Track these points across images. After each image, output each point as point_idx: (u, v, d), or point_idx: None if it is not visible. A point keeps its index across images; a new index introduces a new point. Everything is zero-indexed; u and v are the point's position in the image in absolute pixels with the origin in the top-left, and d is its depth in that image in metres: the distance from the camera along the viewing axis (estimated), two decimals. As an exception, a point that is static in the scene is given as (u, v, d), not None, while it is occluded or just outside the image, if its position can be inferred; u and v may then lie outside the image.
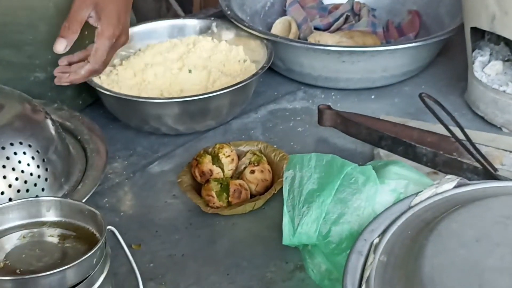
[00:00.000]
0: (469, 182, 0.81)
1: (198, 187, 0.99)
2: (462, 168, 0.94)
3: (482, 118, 1.15)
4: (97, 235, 0.68)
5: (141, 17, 1.43)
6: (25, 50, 1.17)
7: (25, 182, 0.86)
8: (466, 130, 0.93)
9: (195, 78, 1.20)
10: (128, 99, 1.09)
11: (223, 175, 0.99)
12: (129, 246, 0.75)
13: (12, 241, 0.69)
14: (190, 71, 1.21)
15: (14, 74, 1.19)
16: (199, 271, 0.88)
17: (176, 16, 2.36)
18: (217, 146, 1.01)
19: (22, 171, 0.86)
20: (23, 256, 0.67)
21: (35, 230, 0.70)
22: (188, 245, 0.93)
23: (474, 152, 0.92)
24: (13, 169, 0.85)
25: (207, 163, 0.98)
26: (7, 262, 0.66)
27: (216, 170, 0.98)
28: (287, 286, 0.86)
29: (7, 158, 0.85)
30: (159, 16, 2.42)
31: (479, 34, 1.15)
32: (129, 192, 1.03)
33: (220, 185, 0.96)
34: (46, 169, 0.89)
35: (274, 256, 0.90)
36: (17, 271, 0.65)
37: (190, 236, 0.94)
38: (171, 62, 1.23)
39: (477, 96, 1.15)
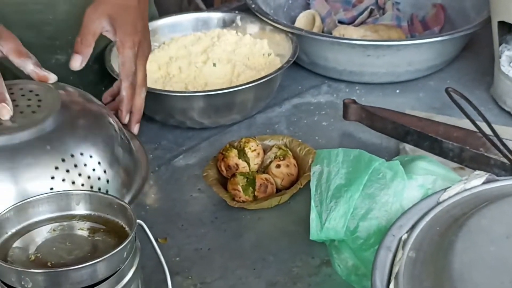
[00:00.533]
0: (498, 178, 0.81)
1: (223, 181, 0.99)
2: (489, 163, 0.94)
3: (508, 113, 1.15)
4: (127, 228, 0.68)
5: (162, 11, 1.43)
6: (45, 31, 1.17)
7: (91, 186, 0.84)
8: (493, 125, 0.92)
9: (219, 72, 1.21)
10: (154, 93, 1.09)
11: (249, 169, 0.99)
12: (155, 240, 0.75)
13: (42, 234, 0.69)
14: (214, 64, 1.21)
15: (35, 57, 1.19)
16: (225, 265, 0.88)
17: (197, 9, 2.36)
18: (243, 140, 1.01)
19: (89, 177, 0.83)
20: (54, 249, 0.67)
21: (65, 223, 0.70)
22: (214, 239, 0.93)
23: (501, 147, 0.91)
24: (80, 174, 0.83)
25: (233, 157, 0.99)
26: (38, 255, 0.66)
27: (242, 164, 0.99)
28: (314, 281, 0.86)
29: (75, 165, 0.83)
30: (180, 10, 2.43)
31: (506, 28, 1.14)
32: (155, 185, 1.03)
33: (246, 179, 0.96)
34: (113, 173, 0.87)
35: (300, 251, 0.90)
36: (48, 264, 0.65)
37: (216, 230, 0.95)
38: (195, 56, 1.24)
39: (503, 90, 1.15)
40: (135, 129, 1.05)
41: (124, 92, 1.03)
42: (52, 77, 0.90)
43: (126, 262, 0.66)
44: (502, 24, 1.12)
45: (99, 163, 0.84)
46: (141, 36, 1.05)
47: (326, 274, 0.86)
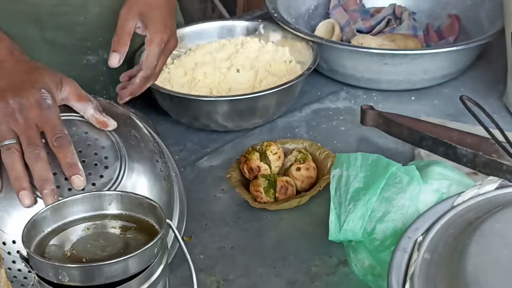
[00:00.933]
0: (511, 183, 0.81)
1: (246, 183, 1.00)
2: (502, 169, 0.94)
3: (521, 120, 1.14)
4: (157, 227, 0.69)
5: (188, 18, 1.44)
6: (77, 32, 1.17)
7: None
8: (506, 133, 0.92)
9: (242, 77, 1.21)
10: (181, 97, 1.10)
11: (270, 171, 0.99)
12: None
13: (77, 232, 0.69)
14: (238, 70, 1.21)
15: (67, 57, 1.19)
16: (247, 264, 0.89)
17: (221, 16, 2.37)
18: (265, 143, 1.01)
19: None
20: (88, 246, 0.68)
21: (98, 222, 0.71)
22: (236, 238, 0.94)
23: (514, 154, 0.91)
24: None
25: (255, 160, 0.99)
26: (73, 251, 0.67)
27: (264, 166, 0.99)
28: (331, 280, 0.86)
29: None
30: (204, 17, 2.44)
31: (519, 38, 1.14)
32: (184, 190, 1.04)
33: (267, 181, 0.96)
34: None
35: (318, 250, 0.90)
36: (83, 260, 0.66)
37: (239, 230, 0.95)
38: (220, 62, 1.24)
39: (516, 99, 1.14)
40: (122, 101, 1.08)
41: (138, 80, 1.06)
42: (112, 124, 0.84)
43: (156, 258, 0.67)
44: (515, 35, 1.12)
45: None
46: (169, 34, 1.07)
47: (343, 273, 0.87)
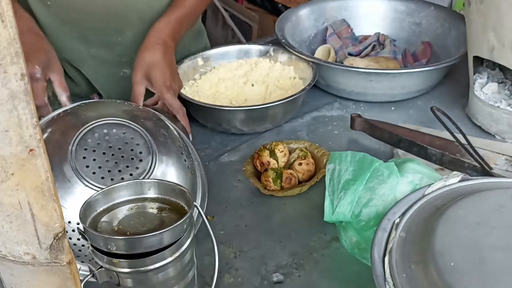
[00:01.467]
0: (471, 177, 0.80)
1: (258, 174, 1.00)
2: (464, 166, 0.93)
3: (479, 127, 1.13)
4: (186, 208, 0.69)
5: (212, 42, 1.44)
6: (115, 49, 1.18)
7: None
8: (467, 137, 0.92)
9: (256, 90, 1.21)
10: (207, 107, 1.10)
11: (278, 165, 0.99)
12: (206, 218, 0.76)
13: (122, 212, 0.70)
14: (252, 85, 1.21)
15: (107, 70, 1.19)
16: (258, 239, 0.89)
17: (239, 42, 2.37)
18: (274, 143, 1.01)
19: None
20: (131, 222, 0.68)
21: (139, 204, 0.71)
22: (250, 218, 0.93)
23: (474, 154, 0.90)
24: None
25: (266, 156, 0.99)
26: (120, 227, 0.68)
27: (273, 161, 0.99)
28: (325, 253, 0.86)
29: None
30: (226, 42, 2.44)
31: (479, 61, 1.13)
32: (205, 176, 1.04)
33: (275, 173, 0.96)
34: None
35: (315, 229, 0.90)
36: (127, 233, 0.67)
37: (251, 212, 0.95)
38: (238, 78, 1.24)
39: (476, 110, 1.13)
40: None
41: (183, 122, 1.04)
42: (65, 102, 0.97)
43: (185, 233, 0.67)
44: (476, 58, 1.11)
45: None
46: (170, 81, 1.05)
47: (335, 247, 0.87)
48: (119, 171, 0.79)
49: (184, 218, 0.66)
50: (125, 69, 1.20)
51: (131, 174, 0.79)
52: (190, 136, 1.05)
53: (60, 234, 0.38)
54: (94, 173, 0.78)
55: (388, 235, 0.71)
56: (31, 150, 0.34)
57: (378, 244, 0.70)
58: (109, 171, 0.79)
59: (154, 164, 0.81)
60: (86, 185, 0.77)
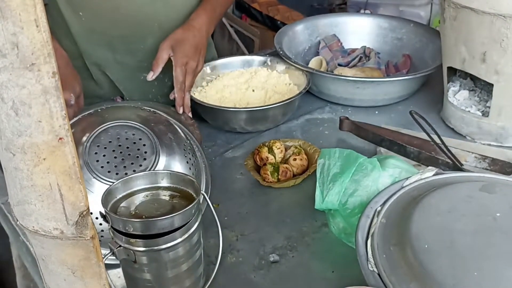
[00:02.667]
0: (444, 172, 0.81)
1: (258, 168, 1.00)
2: (438, 162, 0.93)
3: (452, 129, 1.13)
4: (194, 195, 0.70)
5: (219, 54, 1.44)
6: (138, 55, 1.18)
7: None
8: (441, 137, 0.92)
9: (256, 95, 1.20)
10: (214, 108, 1.10)
11: (275, 160, 0.99)
12: (212, 205, 0.76)
13: (139, 198, 0.71)
14: (253, 90, 1.21)
15: (130, 73, 1.20)
16: (257, 224, 0.89)
17: (243, 53, 2.37)
18: (272, 141, 1.01)
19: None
20: (147, 207, 0.69)
21: (154, 191, 0.72)
22: (250, 206, 0.93)
23: (447, 152, 0.91)
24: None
25: (264, 152, 0.99)
26: (137, 211, 0.68)
27: (271, 157, 0.99)
28: (316, 237, 0.86)
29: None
30: (231, 53, 2.44)
31: (452, 71, 1.14)
32: (212, 169, 1.04)
33: (273, 167, 0.96)
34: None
35: (307, 216, 0.90)
36: (143, 217, 0.67)
37: (252, 201, 0.95)
38: (240, 84, 1.23)
39: (449, 114, 1.14)
40: (180, 111, 1.09)
41: (176, 93, 1.08)
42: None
43: (193, 217, 0.68)
44: (449, 68, 1.11)
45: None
46: (188, 59, 1.08)
47: (324, 232, 0.87)
48: (124, 167, 0.79)
49: (193, 204, 0.66)
50: (146, 73, 1.20)
51: (134, 171, 0.79)
52: (190, 113, 1.08)
53: (85, 212, 0.39)
54: (102, 167, 0.78)
55: (371, 221, 0.72)
56: (60, 138, 0.35)
57: (361, 229, 0.71)
58: (115, 166, 0.79)
59: (156, 162, 0.81)
60: (94, 177, 0.77)
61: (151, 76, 1.07)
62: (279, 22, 2.46)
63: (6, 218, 0.86)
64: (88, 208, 0.39)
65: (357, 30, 1.47)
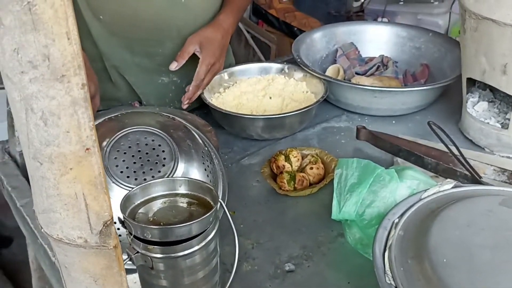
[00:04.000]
0: (462, 185, 0.80)
1: (274, 176, 1.00)
2: (456, 174, 0.92)
3: (471, 141, 1.12)
4: (212, 203, 0.70)
5: (236, 60, 1.45)
6: (156, 59, 1.19)
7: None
8: (460, 149, 0.91)
9: (273, 103, 1.20)
10: (232, 114, 1.10)
11: (292, 169, 0.99)
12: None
13: (157, 205, 0.71)
14: (270, 97, 1.21)
15: (147, 77, 1.21)
16: (273, 232, 0.89)
17: (259, 60, 2.37)
18: (288, 149, 1.01)
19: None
20: (165, 214, 0.69)
21: (171, 198, 0.72)
22: (266, 214, 0.93)
23: (465, 164, 0.90)
24: None
25: (281, 160, 0.99)
26: (155, 217, 0.69)
27: (287, 165, 0.99)
28: (332, 247, 0.86)
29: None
30: (247, 59, 2.44)
31: (471, 82, 1.13)
32: (228, 176, 1.04)
33: (289, 175, 0.96)
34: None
35: (323, 225, 0.89)
36: (161, 223, 0.67)
37: (268, 209, 0.95)
38: (257, 91, 1.24)
39: (468, 125, 1.13)
40: (184, 107, 1.13)
41: (191, 88, 1.12)
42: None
43: (210, 225, 0.68)
44: (469, 79, 1.10)
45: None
46: (215, 60, 1.13)
47: (340, 242, 0.86)
48: (143, 172, 0.79)
49: (210, 212, 0.66)
50: (163, 77, 1.21)
51: (153, 176, 0.79)
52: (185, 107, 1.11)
53: (109, 222, 0.39)
54: (121, 172, 0.79)
55: (388, 233, 0.71)
56: (87, 149, 0.35)
57: (379, 241, 0.70)
58: (134, 171, 0.79)
59: (175, 169, 0.81)
60: (113, 182, 0.78)
61: (174, 67, 1.10)
62: (295, 29, 2.46)
63: (24, 221, 0.87)
64: (112, 218, 0.40)
65: (375, 39, 1.46)
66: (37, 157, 0.36)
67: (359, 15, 2.34)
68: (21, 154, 0.99)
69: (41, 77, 0.32)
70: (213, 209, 0.67)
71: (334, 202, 0.82)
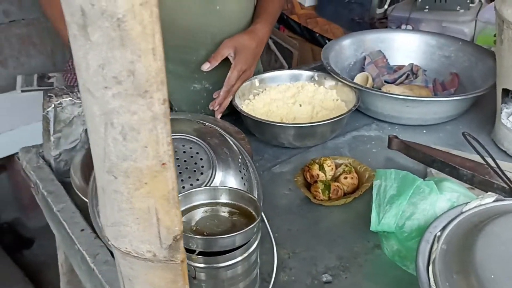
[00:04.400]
0: (504, 198, 0.79)
1: (307, 185, 0.99)
2: (493, 187, 0.91)
3: (505, 152, 1.11)
4: (254, 214, 0.70)
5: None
6: (190, 67, 1.19)
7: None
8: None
9: (303, 110, 1.20)
10: (265, 122, 1.10)
11: (325, 178, 0.99)
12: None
13: (198, 214, 0.71)
14: (300, 105, 1.21)
15: (180, 84, 1.21)
16: (308, 242, 0.88)
17: (281, 66, 2.37)
18: (322, 158, 1.00)
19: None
20: (207, 224, 0.69)
21: (213, 207, 0.72)
22: (300, 224, 0.92)
23: (502, 176, 0.89)
24: None
25: (315, 169, 0.98)
26: (197, 227, 0.68)
27: (321, 174, 0.98)
28: (369, 258, 0.85)
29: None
30: (269, 65, 2.44)
31: (506, 92, 1.11)
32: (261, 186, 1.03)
33: (324, 185, 0.95)
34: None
35: (359, 236, 0.89)
36: (204, 233, 0.67)
37: (301, 218, 0.94)
38: (287, 99, 1.23)
39: (502, 136, 1.11)
40: (218, 116, 1.14)
41: (222, 93, 1.12)
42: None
43: (253, 236, 0.68)
44: (504, 90, 1.09)
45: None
46: (247, 67, 1.14)
47: (377, 254, 0.85)
48: (182, 180, 0.79)
49: (254, 223, 0.66)
50: (196, 84, 1.22)
51: (191, 184, 0.79)
52: (219, 116, 1.12)
53: (178, 236, 0.39)
54: None
55: (431, 247, 0.71)
56: (163, 164, 0.35)
57: (422, 254, 0.70)
58: (189, 177, 0.79)
59: (213, 177, 0.81)
60: None
61: (206, 67, 1.11)
62: (317, 35, 2.45)
63: (60, 226, 0.87)
64: (182, 233, 0.40)
65: (403, 47, 1.45)
66: (112, 171, 0.35)
67: (382, 22, 2.32)
68: (55, 158, 1.00)
69: (124, 92, 0.32)
70: (257, 221, 0.66)
71: (373, 214, 0.81)
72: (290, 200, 0.99)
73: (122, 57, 0.31)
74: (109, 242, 0.41)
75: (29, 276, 2.03)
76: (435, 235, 0.72)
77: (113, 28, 0.30)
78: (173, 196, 0.38)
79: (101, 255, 0.78)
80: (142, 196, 0.37)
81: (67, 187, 0.95)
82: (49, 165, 1.01)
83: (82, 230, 0.82)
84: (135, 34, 0.30)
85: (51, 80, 2.08)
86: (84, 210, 0.88)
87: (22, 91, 2.02)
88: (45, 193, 0.92)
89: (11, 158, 1.99)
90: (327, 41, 2.34)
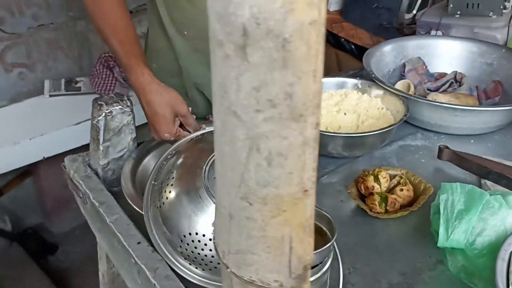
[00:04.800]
0: None
1: (361, 197, 0.97)
2: (555, 200, 0.88)
3: (559, 163, 1.08)
4: (328, 233, 0.67)
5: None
6: None
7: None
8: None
9: (348, 119, 1.18)
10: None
11: (380, 190, 0.96)
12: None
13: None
14: (345, 113, 1.19)
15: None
16: (367, 257, 0.86)
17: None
18: (377, 169, 0.97)
19: None
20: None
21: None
22: (356, 237, 0.90)
23: None
24: None
25: (370, 181, 0.96)
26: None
27: (376, 186, 0.95)
28: (432, 274, 0.82)
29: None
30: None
31: (559, 102, 1.09)
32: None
33: (380, 197, 0.93)
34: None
35: (419, 251, 0.86)
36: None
37: (357, 231, 0.92)
38: (330, 107, 1.21)
39: (556, 147, 1.08)
40: None
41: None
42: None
43: (328, 255, 0.65)
44: (559, 100, 1.06)
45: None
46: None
47: (440, 269, 0.83)
48: None
49: (331, 242, 0.64)
50: None
51: None
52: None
53: (308, 265, 0.37)
54: None
55: (508, 265, 0.68)
56: (305, 190, 0.33)
57: (500, 274, 0.67)
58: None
59: None
60: (214, 202, 0.75)
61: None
62: (343, 40, 2.42)
63: (114, 237, 0.85)
64: (312, 261, 0.37)
65: (443, 54, 1.43)
66: (247, 197, 0.33)
67: (411, 27, 2.29)
68: (103, 167, 0.98)
69: (278, 116, 0.30)
70: (332, 240, 0.64)
71: (441, 229, 0.78)
72: (342, 212, 0.97)
73: (282, 79, 0.28)
74: (228, 270, 0.39)
75: (55, 283, 2.01)
76: (511, 253, 0.69)
77: (276, 49, 0.27)
78: (309, 224, 0.36)
79: (160, 269, 0.76)
80: (278, 224, 0.34)
81: (116, 197, 0.93)
82: (96, 174, 0.99)
83: (139, 243, 0.80)
84: (299, 55, 0.28)
85: (78, 85, 2.07)
86: (136, 221, 0.86)
87: (50, 95, 2.01)
88: (97, 204, 0.90)
89: (37, 163, 1.97)
90: (352, 46, 2.31)
